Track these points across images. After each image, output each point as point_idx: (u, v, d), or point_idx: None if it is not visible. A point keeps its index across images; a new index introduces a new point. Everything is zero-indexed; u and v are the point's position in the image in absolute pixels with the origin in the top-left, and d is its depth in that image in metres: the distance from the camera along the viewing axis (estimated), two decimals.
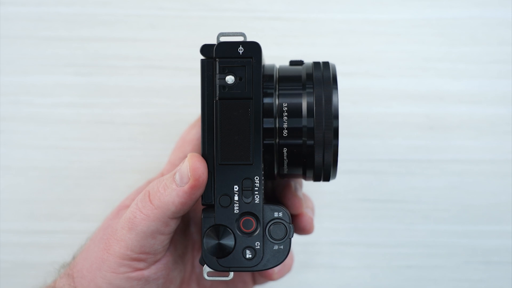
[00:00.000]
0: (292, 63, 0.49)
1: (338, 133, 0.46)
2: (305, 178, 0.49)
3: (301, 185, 0.54)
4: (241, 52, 0.44)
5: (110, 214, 0.50)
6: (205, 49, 0.45)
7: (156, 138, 0.63)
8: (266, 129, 0.45)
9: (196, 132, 0.52)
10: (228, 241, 0.45)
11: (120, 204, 0.51)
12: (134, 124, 0.63)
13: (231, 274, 0.46)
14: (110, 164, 0.63)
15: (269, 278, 0.55)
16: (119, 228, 0.46)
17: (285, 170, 0.48)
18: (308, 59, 0.50)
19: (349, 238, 0.64)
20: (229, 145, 0.45)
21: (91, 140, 0.63)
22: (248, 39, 0.45)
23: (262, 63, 0.45)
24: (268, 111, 0.45)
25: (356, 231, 0.64)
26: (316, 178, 0.48)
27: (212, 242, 0.45)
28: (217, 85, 0.44)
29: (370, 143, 0.64)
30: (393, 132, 0.63)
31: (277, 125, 0.46)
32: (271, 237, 0.45)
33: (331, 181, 0.49)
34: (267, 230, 0.45)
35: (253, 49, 0.45)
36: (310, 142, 0.46)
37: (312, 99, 0.46)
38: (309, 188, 0.61)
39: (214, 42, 0.45)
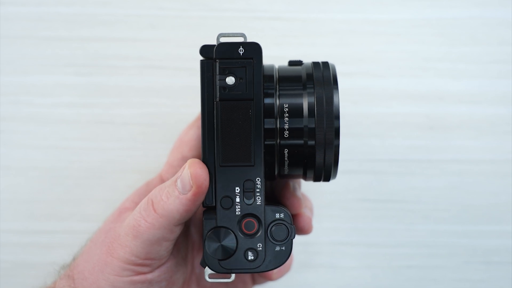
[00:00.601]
0: (291, 63, 0.49)
1: (339, 133, 0.45)
2: (305, 178, 0.49)
3: (299, 185, 0.54)
4: (241, 53, 0.44)
5: (110, 216, 0.50)
6: (205, 50, 0.45)
7: (156, 138, 0.63)
8: (267, 129, 0.45)
9: (194, 133, 0.52)
10: (230, 243, 0.45)
11: (120, 206, 0.51)
12: (134, 124, 0.63)
13: (233, 276, 0.46)
14: (110, 164, 0.63)
15: (269, 278, 0.55)
16: (122, 234, 0.45)
17: (286, 171, 0.48)
18: (308, 59, 0.50)
19: (349, 238, 0.64)
20: (230, 147, 0.44)
21: (91, 140, 0.63)
22: (248, 39, 0.45)
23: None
24: (269, 112, 0.45)
25: (356, 231, 0.64)
26: (317, 179, 0.48)
27: (214, 244, 0.44)
28: (218, 86, 0.44)
29: (370, 143, 0.64)
30: (393, 132, 0.63)
31: (278, 126, 0.45)
32: (273, 238, 0.45)
33: (331, 181, 0.49)
34: (268, 231, 0.45)
35: (254, 49, 0.44)
36: (311, 142, 0.46)
37: (313, 99, 0.46)
38: (308, 188, 0.61)
39: (214, 42, 0.45)
